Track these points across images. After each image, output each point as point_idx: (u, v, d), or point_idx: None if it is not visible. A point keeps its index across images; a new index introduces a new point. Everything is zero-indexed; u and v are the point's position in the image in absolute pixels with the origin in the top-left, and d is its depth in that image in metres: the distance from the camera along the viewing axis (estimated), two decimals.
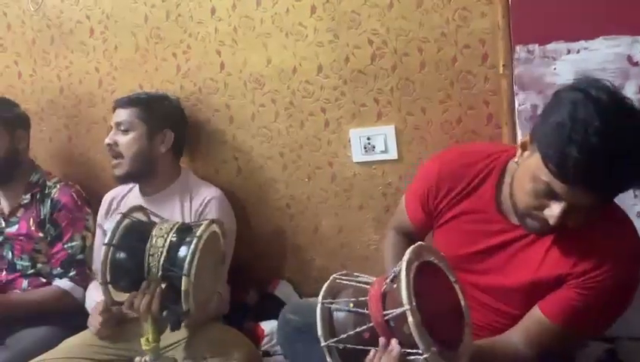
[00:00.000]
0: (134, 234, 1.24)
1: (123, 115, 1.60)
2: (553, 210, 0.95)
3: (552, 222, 0.95)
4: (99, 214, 1.73)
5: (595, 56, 1.32)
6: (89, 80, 1.90)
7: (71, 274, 1.69)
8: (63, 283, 1.69)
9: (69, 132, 1.98)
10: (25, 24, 1.93)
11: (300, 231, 1.81)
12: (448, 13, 1.49)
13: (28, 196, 1.75)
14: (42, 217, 1.72)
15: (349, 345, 0.93)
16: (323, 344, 0.94)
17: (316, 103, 1.67)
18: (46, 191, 1.75)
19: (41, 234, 1.72)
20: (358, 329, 0.93)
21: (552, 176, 0.92)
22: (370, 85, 1.60)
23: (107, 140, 1.59)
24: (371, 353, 0.92)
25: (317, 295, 1.00)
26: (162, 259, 1.20)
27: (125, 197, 1.69)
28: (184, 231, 1.25)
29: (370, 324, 0.92)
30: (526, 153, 1.00)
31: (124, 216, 1.26)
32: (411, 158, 1.62)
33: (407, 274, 0.87)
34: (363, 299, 0.94)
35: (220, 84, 1.75)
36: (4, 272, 1.75)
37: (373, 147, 1.64)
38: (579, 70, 1.30)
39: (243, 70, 1.72)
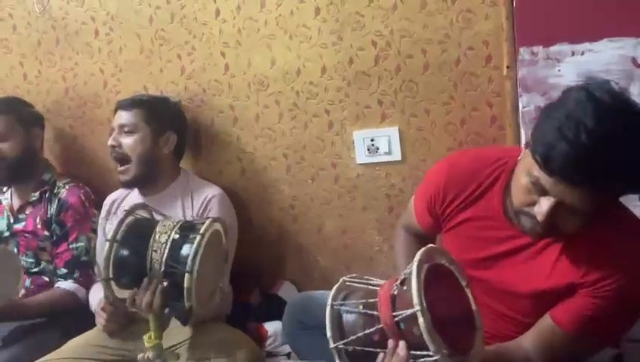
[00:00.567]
0: (138, 231, 1.24)
1: (126, 116, 1.60)
2: (542, 206, 0.94)
3: (539, 218, 0.95)
4: (100, 216, 1.74)
5: (600, 58, 1.31)
6: (94, 81, 1.91)
7: (75, 275, 1.70)
8: (68, 285, 1.70)
9: (74, 133, 1.99)
10: (30, 25, 1.94)
11: (304, 232, 1.81)
12: (452, 15, 1.49)
13: (37, 194, 1.77)
14: (49, 216, 1.74)
15: (357, 347, 0.93)
16: (332, 345, 0.94)
17: (320, 105, 1.68)
18: (55, 191, 1.76)
19: (46, 233, 1.73)
20: (367, 331, 0.92)
21: (540, 169, 0.92)
22: (374, 87, 1.61)
23: (111, 142, 1.59)
24: (380, 356, 0.91)
25: None
26: (165, 255, 1.20)
27: (126, 199, 1.70)
28: (187, 228, 1.25)
29: (380, 326, 0.91)
30: (526, 151, 1.00)
31: (128, 213, 1.27)
32: (415, 160, 1.62)
33: (418, 276, 0.86)
34: (373, 300, 0.94)
35: (224, 86, 1.76)
36: None
37: (377, 148, 1.65)
38: (583, 72, 1.30)
39: (247, 71, 1.72)
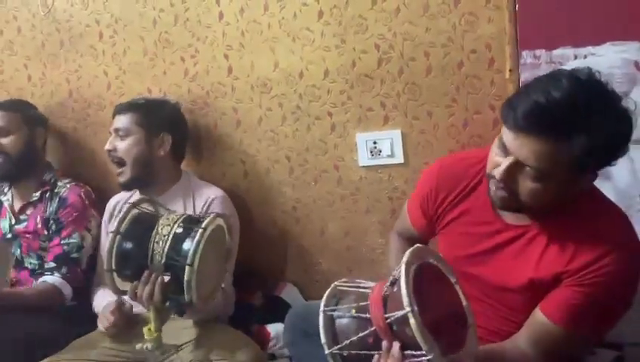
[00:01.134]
0: (141, 224, 1.24)
1: (121, 120, 1.62)
2: (502, 165, 0.99)
3: (497, 175, 1.00)
4: (103, 219, 1.74)
5: (602, 62, 1.32)
6: (98, 83, 1.91)
7: (62, 270, 1.67)
8: (54, 279, 1.65)
9: (78, 135, 2.00)
10: (35, 28, 1.95)
11: (306, 234, 1.81)
12: (455, 18, 1.49)
13: (38, 194, 1.77)
14: (48, 214, 1.74)
15: (352, 351, 0.93)
16: (327, 351, 0.94)
17: (323, 107, 1.68)
18: (56, 190, 1.77)
19: (46, 232, 1.73)
20: (360, 335, 0.93)
21: (504, 125, 0.97)
22: (377, 89, 1.61)
23: (107, 146, 1.62)
24: (375, 358, 0.92)
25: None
26: (167, 247, 1.19)
27: (128, 201, 1.70)
28: (190, 221, 1.25)
29: (373, 328, 0.92)
30: None
31: (133, 205, 1.27)
32: (417, 162, 1.63)
33: (407, 276, 0.87)
34: (364, 303, 0.94)
35: (227, 88, 1.76)
36: (14, 270, 1.75)
37: (380, 151, 1.65)
38: None
39: (250, 74, 1.73)
